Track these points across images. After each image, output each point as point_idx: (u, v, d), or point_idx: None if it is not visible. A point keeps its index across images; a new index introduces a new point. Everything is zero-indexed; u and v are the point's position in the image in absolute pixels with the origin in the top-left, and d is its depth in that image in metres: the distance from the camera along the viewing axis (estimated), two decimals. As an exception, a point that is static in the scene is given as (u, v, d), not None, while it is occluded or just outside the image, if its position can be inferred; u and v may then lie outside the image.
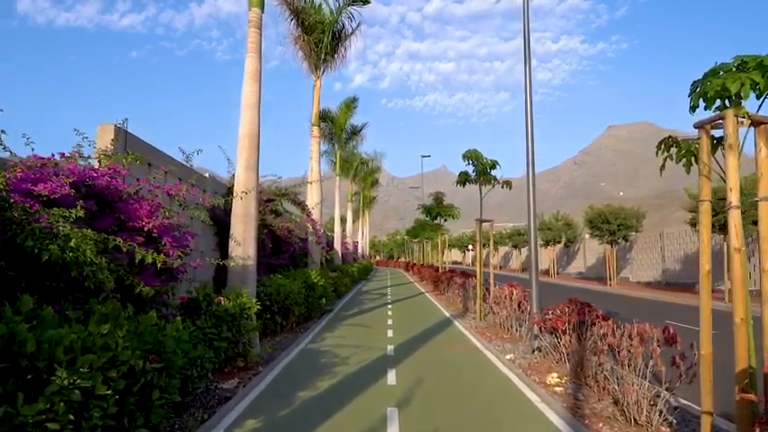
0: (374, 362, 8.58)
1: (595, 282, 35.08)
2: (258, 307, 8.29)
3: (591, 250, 42.08)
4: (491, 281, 14.78)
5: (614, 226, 29.01)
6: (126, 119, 7.50)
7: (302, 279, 13.66)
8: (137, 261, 5.10)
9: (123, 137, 7.49)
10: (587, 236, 42.98)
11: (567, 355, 7.82)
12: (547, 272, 47.07)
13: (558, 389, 6.89)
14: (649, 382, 5.63)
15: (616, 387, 5.93)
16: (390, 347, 9.88)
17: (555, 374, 7.40)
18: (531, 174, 10.05)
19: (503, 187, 15.16)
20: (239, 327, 7.82)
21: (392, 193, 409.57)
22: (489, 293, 14.81)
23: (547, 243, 41.63)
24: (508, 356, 9.10)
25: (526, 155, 10.14)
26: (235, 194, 9.76)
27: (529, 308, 10.76)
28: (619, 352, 5.84)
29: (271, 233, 13.45)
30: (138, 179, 7.07)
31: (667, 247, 30.48)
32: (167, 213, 6.60)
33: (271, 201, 14.85)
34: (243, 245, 9.55)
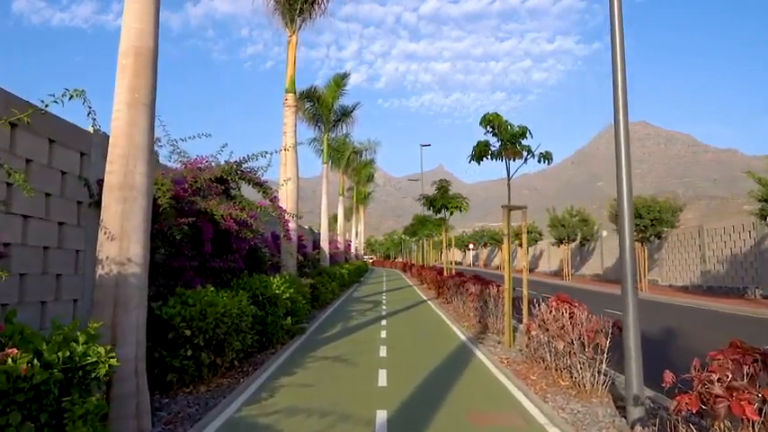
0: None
1: (617, 285, 30.94)
2: (113, 362, 4.11)
3: (609, 249, 37.99)
4: (524, 291, 10.68)
5: (647, 221, 24.86)
6: None
7: (256, 290, 9.51)
8: None
9: None
10: (605, 233, 38.96)
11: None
12: (558, 273, 42.98)
13: None
14: None
15: None
16: (382, 417, 5.67)
17: None
18: (623, 124, 5.95)
19: (539, 161, 11.04)
20: (61, 410, 3.67)
21: (389, 193, 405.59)
22: (521, 308, 10.77)
23: (560, 241, 37.45)
24: (598, 443, 4.96)
25: (614, 105, 6.05)
26: (110, 151, 5.61)
27: (606, 344, 6.63)
28: None
29: (212, 224, 9.27)
30: None
31: (708, 245, 26.34)
32: None
33: (224, 181, 10.63)
34: (120, 239, 5.40)
